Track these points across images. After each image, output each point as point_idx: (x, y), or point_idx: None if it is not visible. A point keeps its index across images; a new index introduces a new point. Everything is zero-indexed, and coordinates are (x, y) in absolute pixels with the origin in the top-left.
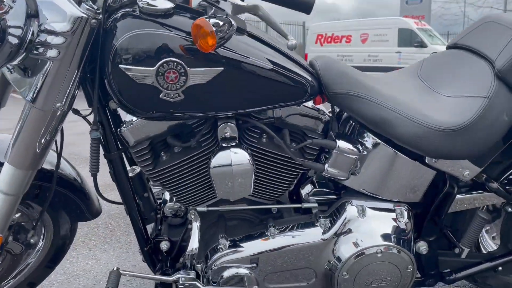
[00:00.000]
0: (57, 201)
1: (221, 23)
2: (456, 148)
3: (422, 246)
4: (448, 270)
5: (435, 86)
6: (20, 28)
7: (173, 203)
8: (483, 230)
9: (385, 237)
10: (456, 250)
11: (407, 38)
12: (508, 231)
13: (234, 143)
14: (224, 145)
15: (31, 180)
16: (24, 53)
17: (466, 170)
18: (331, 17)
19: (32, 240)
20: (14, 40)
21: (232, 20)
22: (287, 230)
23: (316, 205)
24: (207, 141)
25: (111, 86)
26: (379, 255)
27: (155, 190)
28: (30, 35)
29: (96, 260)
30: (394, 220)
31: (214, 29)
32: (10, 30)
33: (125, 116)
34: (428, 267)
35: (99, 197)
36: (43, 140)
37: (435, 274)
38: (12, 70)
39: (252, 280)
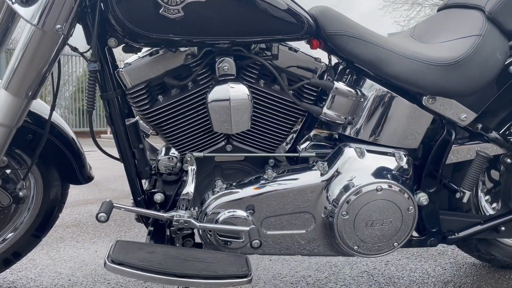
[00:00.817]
0: (49, 156)
1: None
2: (452, 83)
3: (423, 197)
4: (450, 229)
5: (428, 40)
6: None
7: (167, 158)
8: (481, 194)
9: (385, 175)
10: (458, 195)
11: None
12: (508, 189)
13: (231, 78)
14: (221, 80)
15: (26, 112)
16: None
17: (463, 114)
18: None
19: (20, 193)
20: None
21: None
22: (285, 173)
23: (313, 154)
24: (204, 80)
25: (112, 5)
26: (379, 192)
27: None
28: None
29: (85, 249)
30: (394, 161)
31: None
32: None
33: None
34: (430, 223)
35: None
36: (41, 65)
37: (436, 232)
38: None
39: (249, 223)
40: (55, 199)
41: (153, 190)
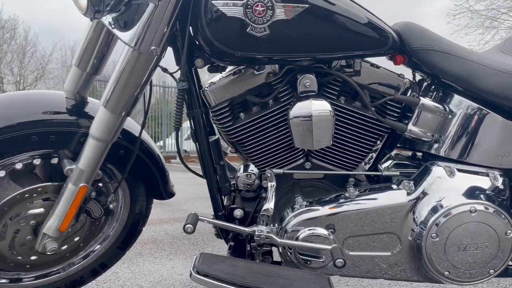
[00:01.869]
0: (137, 170)
1: None
2: None
3: None
4: None
5: None
6: None
7: (245, 175)
8: None
9: (479, 196)
10: None
11: None
12: None
13: (313, 94)
14: (302, 96)
15: (120, 128)
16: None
17: None
18: None
19: (111, 206)
20: None
21: None
22: (368, 191)
23: (397, 173)
24: (285, 97)
25: (202, 26)
26: (473, 214)
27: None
28: None
29: (162, 265)
30: (488, 181)
31: None
32: None
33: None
34: None
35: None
36: (136, 84)
37: None
38: (113, 25)
39: (330, 242)
40: (140, 213)
41: (232, 206)
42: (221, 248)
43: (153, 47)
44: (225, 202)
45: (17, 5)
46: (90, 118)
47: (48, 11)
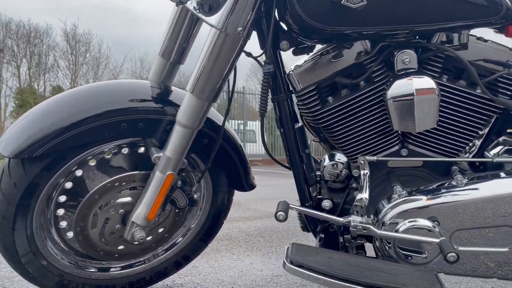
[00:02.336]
0: (219, 160)
1: None
2: None
3: None
4: None
5: None
6: None
7: (331, 165)
8: None
9: None
10: None
11: None
12: None
13: (413, 71)
14: (400, 74)
15: (206, 114)
16: None
17: None
18: None
19: (195, 196)
20: None
21: None
22: (477, 179)
23: (511, 160)
24: (379, 77)
25: (291, 2)
26: None
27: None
28: None
29: (240, 261)
30: None
31: None
32: None
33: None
34: None
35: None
36: (222, 68)
37: None
38: (198, 9)
39: (435, 235)
40: (221, 204)
41: (319, 197)
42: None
43: (240, 29)
44: (311, 193)
45: (91, 19)
46: (176, 106)
47: (119, 24)
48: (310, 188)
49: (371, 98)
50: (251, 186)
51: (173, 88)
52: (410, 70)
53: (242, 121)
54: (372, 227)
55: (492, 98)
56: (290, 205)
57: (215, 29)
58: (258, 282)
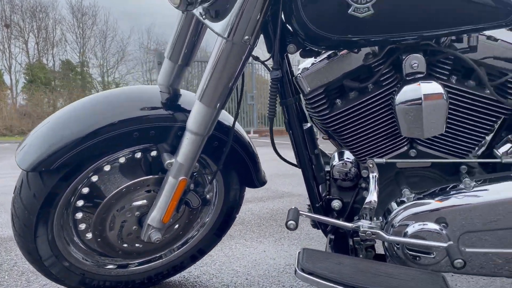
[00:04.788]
0: (230, 160)
1: None
2: None
3: None
4: None
5: None
6: None
7: (341, 164)
8: None
9: None
10: None
11: None
12: None
13: (421, 76)
14: (409, 79)
15: (216, 121)
16: None
17: None
18: None
19: (208, 196)
20: None
21: None
22: (486, 182)
23: None
24: (388, 81)
25: (297, 9)
26: None
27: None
28: None
29: (253, 248)
30: None
31: None
32: None
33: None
34: None
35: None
36: (230, 76)
37: None
38: (204, 15)
39: (443, 238)
40: (234, 200)
41: (329, 197)
42: (310, 230)
43: (247, 37)
44: (321, 192)
45: None
46: (185, 111)
47: None
48: (320, 187)
49: (379, 102)
50: (262, 183)
51: (181, 91)
52: (418, 75)
53: (253, 93)
54: (381, 232)
55: (501, 100)
56: (301, 212)
57: (222, 38)
58: (271, 272)
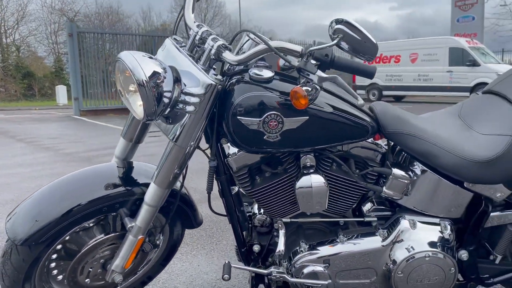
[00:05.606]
0: (174, 213)
1: (311, 90)
2: (489, 176)
3: (463, 254)
4: (487, 275)
5: (471, 124)
6: (170, 91)
7: (260, 215)
8: None
9: (432, 244)
10: (491, 257)
11: (459, 57)
12: None
13: (312, 170)
14: (305, 172)
15: (166, 196)
16: (170, 108)
17: (498, 193)
18: (375, 36)
19: (158, 242)
20: (166, 100)
21: (318, 87)
22: (353, 237)
23: (375, 219)
24: (292, 169)
25: (228, 129)
26: (427, 258)
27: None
28: (175, 96)
29: (189, 263)
30: (440, 231)
31: (307, 94)
32: (164, 94)
33: (228, 150)
34: (469, 272)
35: (201, 212)
36: (178, 168)
37: (475, 278)
38: (159, 123)
39: (325, 276)
40: (177, 239)
41: (251, 242)
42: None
43: (192, 143)
44: (245, 238)
45: None
46: (141, 184)
47: None
48: (244, 233)
49: (287, 182)
50: (199, 223)
51: (134, 163)
52: (310, 170)
53: None
54: (286, 276)
55: (362, 185)
56: (233, 265)
57: (169, 140)
58: (205, 287)
